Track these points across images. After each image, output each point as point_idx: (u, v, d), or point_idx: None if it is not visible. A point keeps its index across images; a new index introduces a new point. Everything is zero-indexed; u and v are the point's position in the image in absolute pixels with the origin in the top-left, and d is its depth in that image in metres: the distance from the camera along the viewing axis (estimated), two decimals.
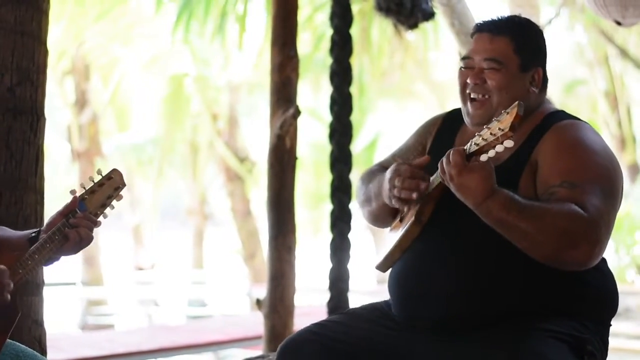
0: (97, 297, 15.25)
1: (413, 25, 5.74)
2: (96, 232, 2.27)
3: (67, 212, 2.23)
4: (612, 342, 2.46)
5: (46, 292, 3.07)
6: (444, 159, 2.23)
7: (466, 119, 2.47)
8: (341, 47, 5.21)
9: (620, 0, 4.74)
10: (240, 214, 16.67)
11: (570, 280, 2.28)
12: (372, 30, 9.98)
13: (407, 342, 2.35)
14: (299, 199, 7.96)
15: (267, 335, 4.89)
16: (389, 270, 2.50)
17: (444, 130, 2.58)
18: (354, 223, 5.21)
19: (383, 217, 2.59)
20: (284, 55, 4.96)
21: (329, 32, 5.40)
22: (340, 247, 5.13)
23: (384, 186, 2.47)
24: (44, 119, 3.10)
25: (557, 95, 16.55)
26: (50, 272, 2.82)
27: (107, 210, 2.29)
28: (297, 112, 4.90)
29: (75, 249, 2.23)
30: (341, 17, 5.22)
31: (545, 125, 2.38)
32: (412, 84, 16.65)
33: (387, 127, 18.67)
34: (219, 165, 17.58)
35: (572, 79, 18.18)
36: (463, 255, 2.31)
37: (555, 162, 2.29)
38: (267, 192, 4.97)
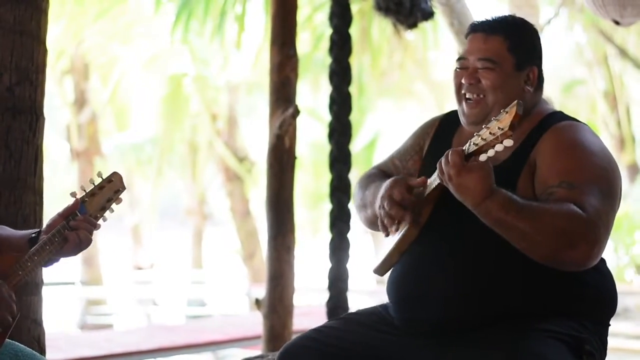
0: (96, 296, 15.22)
1: (412, 25, 5.73)
2: (95, 231, 2.28)
3: (68, 214, 2.24)
4: (611, 342, 2.47)
5: (45, 291, 3.08)
6: (443, 159, 2.23)
7: (462, 119, 2.48)
8: (340, 46, 5.20)
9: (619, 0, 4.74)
10: (239, 213, 16.64)
11: (569, 280, 2.28)
12: (371, 29, 9.96)
13: (405, 347, 2.36)
14: (298, 199, 7.96)
15: (266, 335, 4.89)
16: (388, 273, 2.50)
17: (441, 132, 2.58)
18: (353, 223, 5.20)
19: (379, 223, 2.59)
20: (283, 55, 4.96)
21: (328, 31, 5.40)
22: (339, 247, 5.12)
23: (377, 197, 2.47)
24: (43, 118, 3.10)
25: (556, 95, 16.54)
26: (49, 272, 2.82)
27: (107, 214, 2.30)
28: (297, 112, 4.90)
29: (74, 251, 2.24)
30: (340, 16, 5.21)
31: (544, 126, 2.38)
32: (411, 84, 16.63)
33: (386, 126, 18.64)
34: (218, 165, 17.56)
35: (571, 79, 18.17)
36: (461, 257, 2.32)
37: (554, 163, 2.29)
38: (267, 192, 4.97)
